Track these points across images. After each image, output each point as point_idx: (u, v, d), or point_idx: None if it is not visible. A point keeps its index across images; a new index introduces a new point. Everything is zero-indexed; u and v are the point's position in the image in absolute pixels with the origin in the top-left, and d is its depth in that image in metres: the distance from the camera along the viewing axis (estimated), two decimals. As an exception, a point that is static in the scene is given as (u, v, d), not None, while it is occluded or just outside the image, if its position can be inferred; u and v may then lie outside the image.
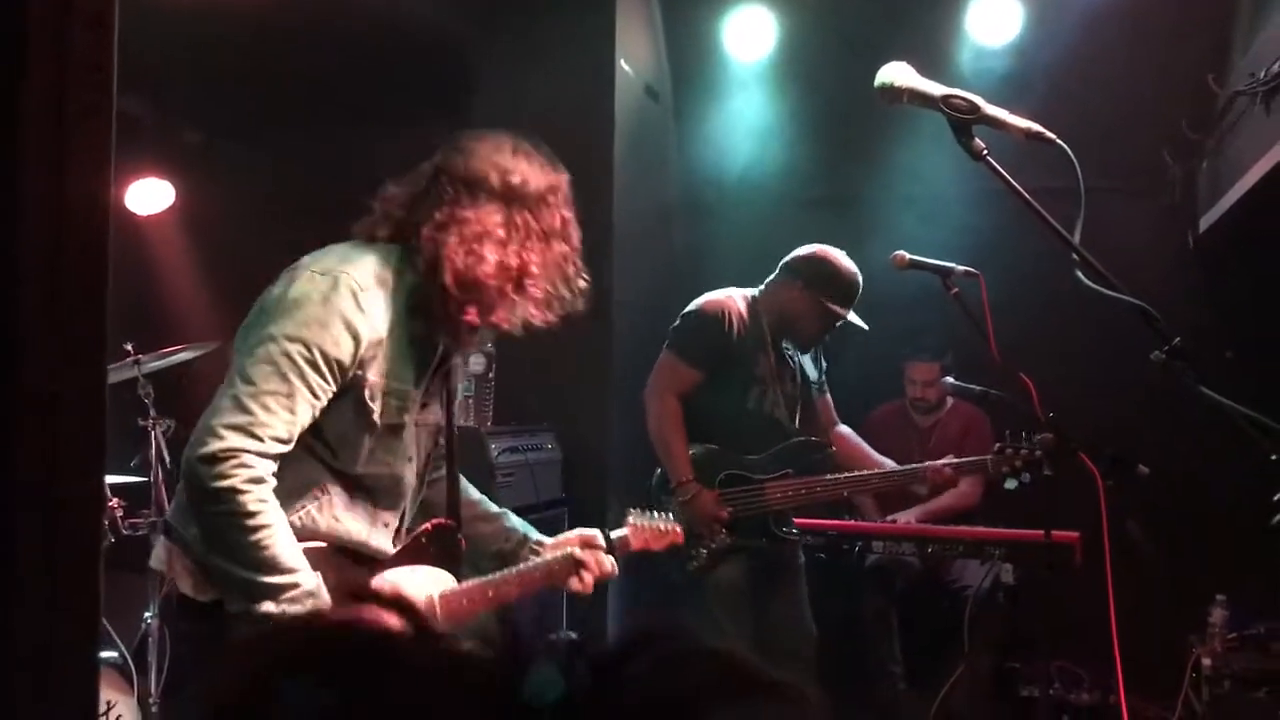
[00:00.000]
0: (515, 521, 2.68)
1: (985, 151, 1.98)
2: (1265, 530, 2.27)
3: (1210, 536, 5.07)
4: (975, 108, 2.04)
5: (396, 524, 2.41)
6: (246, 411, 2.09)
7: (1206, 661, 4.56)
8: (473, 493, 2.70)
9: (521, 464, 4.65)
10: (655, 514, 2.79)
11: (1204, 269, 5.42)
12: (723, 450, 4.04)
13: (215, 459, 2.06)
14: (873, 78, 2.18)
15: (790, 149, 5.93)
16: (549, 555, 2.57)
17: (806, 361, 4.23)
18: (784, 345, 4.13)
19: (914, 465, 4.18)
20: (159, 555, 2.30)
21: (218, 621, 2.16)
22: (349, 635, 0.55)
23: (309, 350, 2.14)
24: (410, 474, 2.40)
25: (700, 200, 6.14)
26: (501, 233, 2.26)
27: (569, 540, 2.61)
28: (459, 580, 2.46)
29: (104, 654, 3.74)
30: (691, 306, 4.10)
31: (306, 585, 2.11)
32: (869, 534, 4.83)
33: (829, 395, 4.37)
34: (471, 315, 2.31)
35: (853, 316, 4.04)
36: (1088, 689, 5.06)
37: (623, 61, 5.19)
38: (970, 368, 4.63)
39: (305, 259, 2.29)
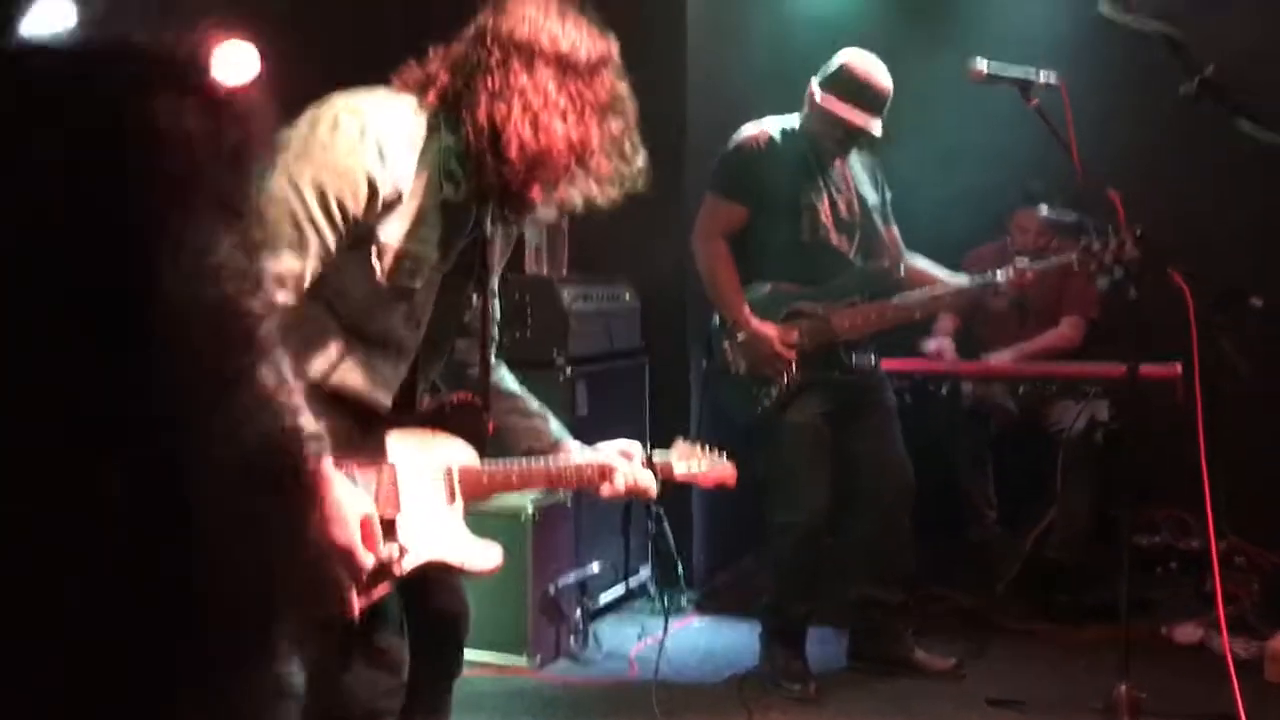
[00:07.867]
0: (554, 425, 2.53)
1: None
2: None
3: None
4: None
5: (398, 385, 2.32)
6: None
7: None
8: (514, 387, 2.56)
9: (596, 313, 4.59)
10: (703, 446, 2.63)
11: None
12: (782, 288, 3.82)
13: None
14: None
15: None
16: (582, 458, 2.46)
17: (865, 186, 3.93)
18: (832, 169, 3.86)
19: (987, 275, 3.81)
20: None
21: None
22: None
23: (325, 199, 2.07)
24: (413, 340, 2.30)
25: (783, 29, 5.81)
26: (563, 103, 2.13)
27: (607, 449, 2.49)
28: (482, 460, 2.39)
29: None
30: (728, 144, 3.88)
31: (309, 429, 1.97)
32: (956, 374, 4.63)
33: (895, 226, 4.03)
34: (535, 192, 2.19)
35: (872, 125, 3.69)
36: (1196, 535, 4.81)
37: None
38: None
39: (336, 98, 2.18)
